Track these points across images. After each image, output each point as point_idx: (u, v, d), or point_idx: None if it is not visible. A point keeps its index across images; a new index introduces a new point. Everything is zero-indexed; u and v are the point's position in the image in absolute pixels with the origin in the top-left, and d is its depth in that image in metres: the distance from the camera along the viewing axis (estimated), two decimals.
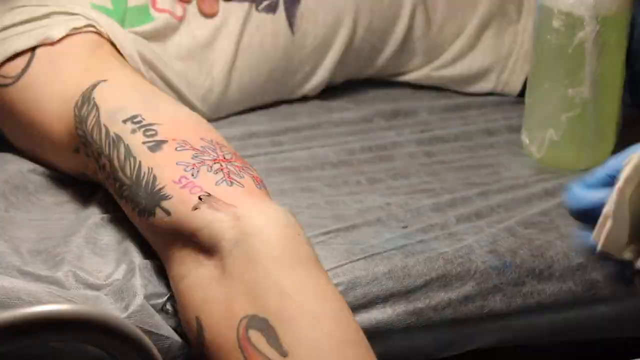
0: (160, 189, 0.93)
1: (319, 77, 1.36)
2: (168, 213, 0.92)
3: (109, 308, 0.93)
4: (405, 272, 1.00)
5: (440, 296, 1.00)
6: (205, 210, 0.90)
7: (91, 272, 0.97)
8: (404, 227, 1.07)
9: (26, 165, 1.14)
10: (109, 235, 1.02)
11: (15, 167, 1.13)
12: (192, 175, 0.93)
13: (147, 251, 1.00)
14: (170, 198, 0.93)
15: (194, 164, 0.94)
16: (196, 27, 1.27)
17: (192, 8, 1.27)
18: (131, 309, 0.93)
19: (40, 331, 0.69)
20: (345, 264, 1.00)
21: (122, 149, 0.98)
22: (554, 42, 1.19)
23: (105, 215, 1.05)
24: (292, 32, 1.32)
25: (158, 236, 0.95)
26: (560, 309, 1.05)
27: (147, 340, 0.72)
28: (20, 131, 1.15)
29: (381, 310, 0.98)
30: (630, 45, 1.25)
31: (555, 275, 1.04)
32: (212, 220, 0.90)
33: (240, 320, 0.86)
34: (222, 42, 1.28)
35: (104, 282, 0.96)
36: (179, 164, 0.95)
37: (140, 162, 0.96)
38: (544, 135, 1.22)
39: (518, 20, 1.42)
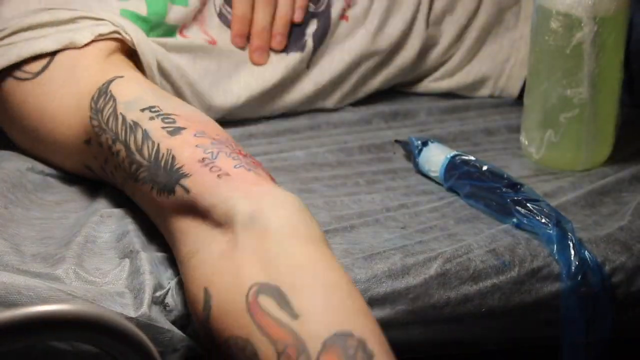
0: (180, 167, 0.95)
1: (328, 105, 1.37)
2: (187, 190, 0.94)
3: (111, 304, 0.93)
4: (404, 270, 1.00)
5: (439, 294, 1.00)
6: (223, 187, 0.92)
7: (91, 270, 0.97)
8: (402, 228, 1.08)
9: (24, 163, 1.15)
10: (109, 232, 1.03)
11: (12, 165, 1.14)
12: (212, 156, 0.95)
13: (149, 246, 1.01)
14: (189, 176, 0.94)
15: (212, 149, 0.97)
16: (224, 56, 1.28)
17: (222, 39, 1.28)
18: (142, 308, 0.94)
19: (40, 331, 0.70)
20: (344, 262, 1.00)
21: (139, 134, 1.00)
22: (552, 43, 1.19)
23: (105, 212, 1.05)
24: (307, 67, 1.33)
25: (173, 214, 0.95)
26: (558, 307, 1.05)
27: (146, 340, 0.72)
28: (25, 127, 1.16)
29: (380, 309, 0.98)
30: (629, 46, 1.25)
31: (554, 274, 1.04)
32: (228, 197, 0.91)
33: (251, 287, 0.86)
34: (245, 77, 1.29)
35: (104, 280, 0.96)
36: (198, 146, 0.97)
37: (158, 144, 0.98)
38: (542, 136, 1.22)
39: (515, 27, 1.42)
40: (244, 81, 1.29)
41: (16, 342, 0.69)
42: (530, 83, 1.24)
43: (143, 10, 1.22)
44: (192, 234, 0.93)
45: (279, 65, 1.30)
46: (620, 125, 1.25)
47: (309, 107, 1.35)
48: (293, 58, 1.31)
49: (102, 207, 1.06)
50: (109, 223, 1.04)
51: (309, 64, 1.32)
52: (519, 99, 1.33)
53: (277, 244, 0.88)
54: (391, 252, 1.02)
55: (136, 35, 1.17)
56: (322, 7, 1.34)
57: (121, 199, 1.07)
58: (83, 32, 1.14)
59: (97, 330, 0.71)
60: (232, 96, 1.28)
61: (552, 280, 1.04)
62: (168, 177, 0.96)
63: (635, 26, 1.26)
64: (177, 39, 1.25)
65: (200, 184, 0.93)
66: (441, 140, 1.29)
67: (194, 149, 0.96)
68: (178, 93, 1.23)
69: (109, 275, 0.97)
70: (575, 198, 1.15)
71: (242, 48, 1.29)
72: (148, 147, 0.99)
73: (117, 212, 1.06)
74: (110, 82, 1.07)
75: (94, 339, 0.71)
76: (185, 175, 0.95)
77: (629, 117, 1.29)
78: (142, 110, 1.02)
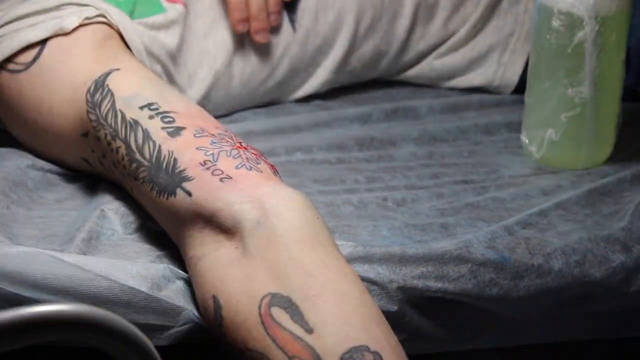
0: (182, 170, 0.95)
1: (320, 77, 1.36)
2: (189, 194, 0.94)
3: (121, 276, 0.94)
4: (402, 262, 1.00)
5: (436, 287, 1.00)
6: (227, 191, 0.92)
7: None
8: (401, 226, 1.07)
9: (24, 160, 1.15)
10: (111, 228, 1.03)
11: (13, 163, 1.14)
12: (213, 159, 0.95)
13: (151, 241, 1.02)
14: (191, 179, 0.94)
15: (213, 150, 0.96)
16: (194, 18, 1.28)
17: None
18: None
19: (40, 331, 0.70)
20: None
21: (140, 133, 1.00)
22: (553, 42, 1.19)
23: (106, 207, 1.05)
24: (294, 29, 1.33)
25: (176, 217, 0.95)
26: (556, 305, 1.05)
27: (146, 340, 0.73)
28: (24, 119, 1.16)
29: (377, 299, 0.98)
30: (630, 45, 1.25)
31: (554, 270, 1.04)
32: (233, 202, 0.91)
33: (262, 298, 0.86)
34: (222, 32, 1.29)
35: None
36: (199, 148, 0.97)
37: (159, 145, 0.98)
38: (543, 135, 1.22)
39: (519, 2, 1.42)
40: (220, 37, 1.30)
41: (16, 342, 0.70)
42: (531, 81, 1.24)
43: None
44: (197, 238, 0.93)
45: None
46: (621, 125, 1.25)
47: (301, 77, 1.35)
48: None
49: (103, 203, 1.06)
50: (111, 218, 1.04)
51: (293, 24, 1.33)
52: (520, 97, 1.33)
53: (286, 250, 0.87)
54: (389, 247, 1.02)
55: (121, 20, 1.17)
56: None
57: (121, 194, 1.07)
58: (70, 18, 1.15)
59: (97, 330, 0.71)
60: (210, 58, 1.29)
61: (552, 277, 1.04)
62: (169, 179, 0.96)
63: (635, 27, 1.26)
64: (166, 9, 1.25)
65: (203, 189, 0.93)
66: (441, 138, 1.29)
67: (195, 152, 0.96)
68: (169, 76, 1.24)
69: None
70: (576, 197, 1.15)
71: (244, 33, 1.30)
72: (149, 147, 0.99)
73: (118, 206, 1.06)
74: (106, 75, 1.07)
75: (94, 339, 0.72)
76: (187, 179, 0.95)
77: (630, 116, 1.29)
78: (141, 107, 1.02)
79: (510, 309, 1.03)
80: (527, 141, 1.25)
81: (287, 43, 1.33)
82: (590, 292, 1.05)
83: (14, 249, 0.94)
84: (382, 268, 0.99)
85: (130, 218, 1.04)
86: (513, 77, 1.42)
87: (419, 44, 1.41)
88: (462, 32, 1.42)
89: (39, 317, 0.69)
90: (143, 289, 0.94)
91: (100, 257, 0.97)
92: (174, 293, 0.95)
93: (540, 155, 1.23)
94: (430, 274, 1.00)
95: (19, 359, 0.79)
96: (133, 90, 1.05)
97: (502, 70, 1.42)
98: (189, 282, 0.96)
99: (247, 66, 1.31)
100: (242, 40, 1.31)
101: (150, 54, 1.21)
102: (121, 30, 1.16)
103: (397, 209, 1.12)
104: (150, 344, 0.73)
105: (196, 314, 0.94)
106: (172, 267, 0.97)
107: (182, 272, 0.97)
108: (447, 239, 1.04)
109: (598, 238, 1.07)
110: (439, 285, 1.00)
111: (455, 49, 1.42)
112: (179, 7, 1.26)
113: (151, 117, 1.01)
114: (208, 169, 0.95)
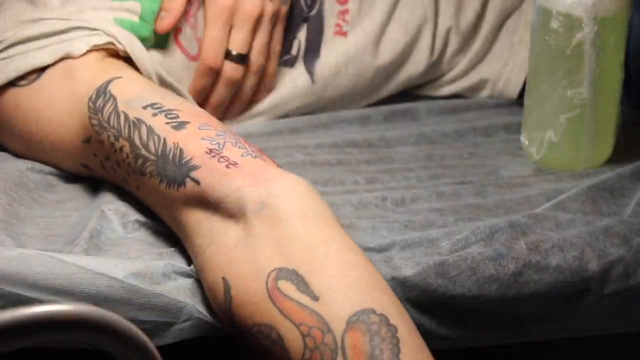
0: (189, 160, 0.97)
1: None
2: (197, 182, 0.95)
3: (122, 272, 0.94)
4: (402, 261, 1.00)
5: (436, 284, 1.00)
6: (233, 177, 0.94)
7: None
8: (403, 227, 1.08)
9: (24, 163, 1.15)
10: (110, 228, 1.03)
11: (12, 165, 1.14)
12: (218, 147, 0.97)
13: (151, 240, 1.03)
14: (199, 168, 0.96)
15: (218, 139, 0.98)
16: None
17: None
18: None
19: (40, 331, 0.70)
20: None
21: (143, 130, 1.01)
22: (552, 43, 1.19)
23: (106, 207, 1.05)
24: (313, 81, 1.32)
25: (185, 207, 0.96)
26: (556, 301, 1.05)
27: (146, 340, 0.73)
28: (18, 131, 1.15)
29: None
30: (629, 46, 1.25)
31: (552, 266, 1.03)
32: (239, 186, 0.93)
33: (269, 274, 0.88)
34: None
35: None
36: (204, 139, 0.98)
37: (164, 138, 0.99)
38: (543, 136, 1.22)
39: (515, 31, 1.42)
40: None
41: (16, 342, 0.70)
42: (530, 83, 1.24)
43: (135, 17, 1.21)
44: (205, 225, 0.94)
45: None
46: (620, 126, 1.25)
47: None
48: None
49: (104, 203, 1.06)
50: (110, 218, 1.04)
51: (312, 77, 1.32)
52: (519, 99, 1.33)
53: (290, 227, 0.90)
54: (389, 246, 1.02)
55: (130, 43, 1.15)
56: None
57: (122, 194, 1.07)
58: (78, 43, 1.14)
59: (97, 330, 0.71)
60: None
61: (551, 273, 1.04)
62: (177, 170, 0.97)
63: (634, 26, 1.26)
64: (172, 49, 1.24)
65: (210, 176, 0.95)
66: (441, 139, 1.29)
67: (200, 141, 0.98)
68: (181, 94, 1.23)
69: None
70: (575, 195, 1.14)
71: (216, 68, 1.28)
72: (154, 141, 1.00)
73: (118, 207, 1.06)
74: (108, 82, 1.07)
75: (94, 339, 0.72)
76: (195, 168, 0.96)
77: (629, 117, 1.29)
78: (145, 107, 1.03)
79: (510, 305, 1.03)
80: (526, 142, 1.25)
81: (305, 91, 1.32)
82: (588, 286, 1.05)
83: (13, 252, 0.94)
84: (381, 266, 0.99)
85: (131, 218, 1.04)
86: (511, 96, 1.42)
87: (429, 89, 1.42)
88: (461, 65, 1.42)
89: (39, 317, 0.69)
90: (144, 285, 0.94)
91: (100, 256, 0.97)
92: (175, 289, 0.95)
93: (540, 156, 1.23)
94: (430, 271, 1.00)
95: (19, 359, 0.79)
96: (135, 93, 1.06)
97: (497, 95, 1.43)
98: (190, 278, 0.96)
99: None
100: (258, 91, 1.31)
101: (162, 82, 1.19)
102: (130, 54, 1.15)
103: (396, 210, 1.12)
104: (150, 343, 0.73)
105: (199, 309, 0.94)
106: (173, 263, 0.97)
107: (184, 268, 0.97)
108: (446, 237, 1.04)
109: (597, 230, 1.07)
110: (438, 282, 1.00)
111: (453, 80, 1.42)
112: (182, 56, 1.25)
113: (155, 115, 1.02)
114: (214, 156, 0.96)
